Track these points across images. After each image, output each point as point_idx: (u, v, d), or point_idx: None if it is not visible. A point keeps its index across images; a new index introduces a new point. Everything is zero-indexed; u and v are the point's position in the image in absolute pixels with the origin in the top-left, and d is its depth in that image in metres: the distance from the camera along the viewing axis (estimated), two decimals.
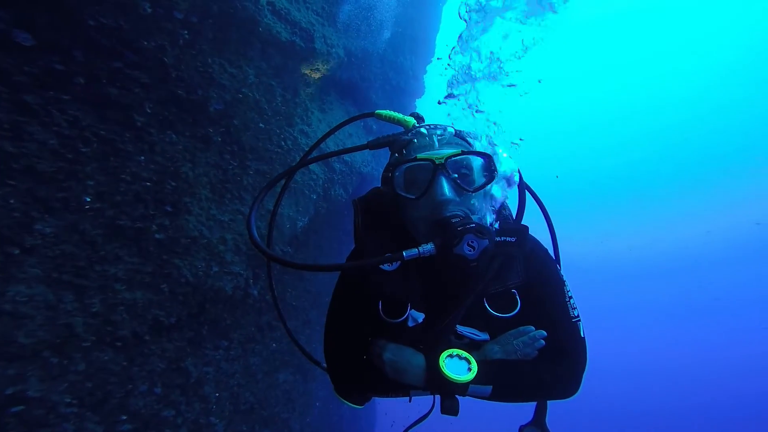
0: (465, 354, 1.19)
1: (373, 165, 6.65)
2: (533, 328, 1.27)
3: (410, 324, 1.28)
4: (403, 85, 6.71)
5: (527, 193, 1.42)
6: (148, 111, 2.88)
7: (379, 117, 1.52)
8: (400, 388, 1.27)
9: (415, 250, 1.12)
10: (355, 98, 6.03)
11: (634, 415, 25.07)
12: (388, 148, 1.45)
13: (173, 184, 3.16)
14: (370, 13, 5.40)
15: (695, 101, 26.66)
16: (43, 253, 2.18)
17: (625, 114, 29.19)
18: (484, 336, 1.30)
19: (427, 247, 1.12)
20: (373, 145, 1.45)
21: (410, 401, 1.44)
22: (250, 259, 4.17)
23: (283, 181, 1.79)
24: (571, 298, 1.34)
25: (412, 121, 1.44)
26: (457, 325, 1.28)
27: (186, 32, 2.99)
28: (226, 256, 3.80)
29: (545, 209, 1.62)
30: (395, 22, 5.99)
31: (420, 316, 1.28)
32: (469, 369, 1.16)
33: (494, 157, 1.26)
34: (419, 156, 1.23)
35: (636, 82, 27.38)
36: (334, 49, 4.89)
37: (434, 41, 7.53)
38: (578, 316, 1.33)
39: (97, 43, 2.41)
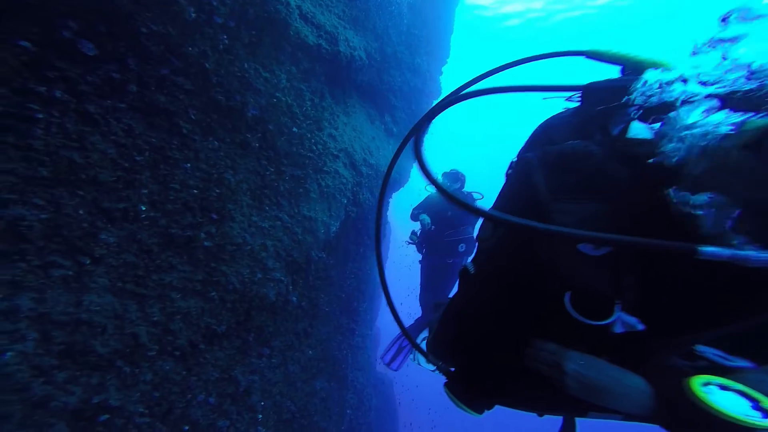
0: (735, 384, 0.83)
1: (395, 168, 6.60)
2: None
3: (618, 330, 0.90)
4: (420, 87, 6.69)
5: None
6: (193, 117, 2.84)
7: (599, 57, 1.13)
8: (575, 406, 0.97)
9: (754, 253, 0.69)
10: (375, 101, 6.01)
11: None
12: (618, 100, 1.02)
13: (217, 191, 3.12)
14: None
15: None
16: (108, 263, 2.12)
17: None
18: (741, 362, 0.91)
19: None
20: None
21: (541, 416, 1.21)
22: (289, 265, 4.11)
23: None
24: None
25: (668, 61, 1.02)
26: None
27: (225, 37, 2.96)
28: (268, 263, 3.75)
29: None
30: (411, 22, 5.98)
31: (632, 321, 0.90)
32: (760, 408, 0.78)
33: None
34: None
35: None
36: (356, 52, 4.87)
37: (449, 43, 7.51)
38: None
39: (146, 51, 2.38)
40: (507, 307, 1.04)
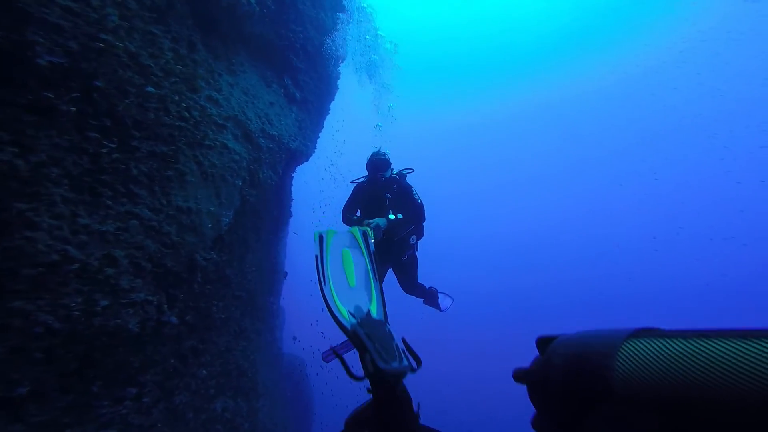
0: None
1: (300, 140, 5.40)
2: None
3: None
4: (326, 47, 5.48)
5: None
6: None
7: None
8: None
9: None
10: (271, 60, 4.69)
11: None
12: None
13: None
14: None
15: None
16: None
17: None
18: None
19: None
20: None
21: None
22: (159, 279, 2.84)
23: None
24: None
25: None
26: None
27: None
28: (121, 282, 2.45)
29: None
30: None
31: None
32: None
33: None
34: None
35: None
36: None
37: None
38: None
39: None
40: None
